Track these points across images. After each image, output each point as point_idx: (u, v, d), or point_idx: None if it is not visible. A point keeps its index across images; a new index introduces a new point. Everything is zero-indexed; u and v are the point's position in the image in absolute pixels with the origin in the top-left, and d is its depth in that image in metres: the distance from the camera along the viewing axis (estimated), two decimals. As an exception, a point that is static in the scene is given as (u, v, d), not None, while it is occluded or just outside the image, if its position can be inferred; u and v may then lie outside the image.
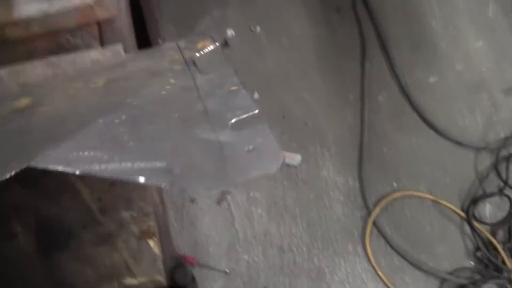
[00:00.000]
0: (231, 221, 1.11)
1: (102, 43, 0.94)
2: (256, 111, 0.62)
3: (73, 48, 0.88)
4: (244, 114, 0.63)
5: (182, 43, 0.85)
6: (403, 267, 1.16)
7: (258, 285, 1.09)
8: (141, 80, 0.73)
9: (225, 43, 1.15)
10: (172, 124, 0.62)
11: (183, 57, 0.79)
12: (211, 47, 0.82)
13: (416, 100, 1.23)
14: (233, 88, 0.70)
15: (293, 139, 1.18)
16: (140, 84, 0.72)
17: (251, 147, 0.59)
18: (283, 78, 1.20)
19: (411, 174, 1.21)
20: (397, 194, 1.19)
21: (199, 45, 0.88)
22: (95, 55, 0.84)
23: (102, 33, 0.88)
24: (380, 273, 1.14)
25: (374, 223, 1.17)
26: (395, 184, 1.20)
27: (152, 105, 0.66)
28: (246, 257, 1.07)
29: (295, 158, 1.15)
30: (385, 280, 1.14)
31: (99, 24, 0.86)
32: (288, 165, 1.16)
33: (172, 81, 0.71)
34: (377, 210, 1.17)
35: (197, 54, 0.75)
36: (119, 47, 0.87)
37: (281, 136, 1.17)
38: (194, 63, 0.79)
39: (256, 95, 1.17)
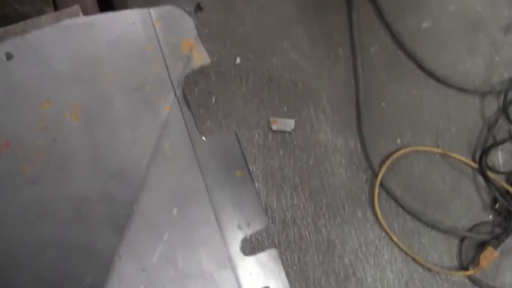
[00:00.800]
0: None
1: (57, 7, 0.85)
2: (266, 224, 0.51)
3: (22, 17, 0.79)
4: (255, 227, 0.52)
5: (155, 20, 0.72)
6: (418, 228, 1.08)
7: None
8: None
9: (199, 7, 1.06)
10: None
11: (169, 76, 0.67)
12: (201, 52, 0.70)
13: (411, 48, 1.14)
14: (238, 173, 0.58)
15: (283, 103, 1.09)
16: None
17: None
18: (266, 39, 1.11)
19: (414, 127, 1.12)
20: (402, 151, 1.10)
21: (184, 47, 0.77)
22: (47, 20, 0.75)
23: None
24: (394, 238, 1.05)
25: (382, 185, 1.08)
26: (399, 141, 1.12)
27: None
28: (248, 238, 0.96)
29: (288, 124, 1.06)
30: (400, 245, 1.05)
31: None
32: (282, 132, 1.06)
33: (167, 144, 0.58)
34: (383, 170, 1.08)
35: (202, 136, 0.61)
36: (76, 9, 0.79)
37: (270, 101, 1.08)
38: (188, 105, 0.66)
39: (238, 61, 1.08)
